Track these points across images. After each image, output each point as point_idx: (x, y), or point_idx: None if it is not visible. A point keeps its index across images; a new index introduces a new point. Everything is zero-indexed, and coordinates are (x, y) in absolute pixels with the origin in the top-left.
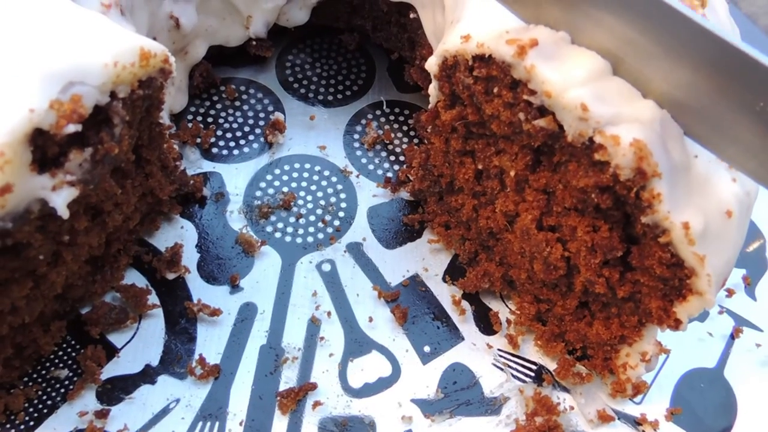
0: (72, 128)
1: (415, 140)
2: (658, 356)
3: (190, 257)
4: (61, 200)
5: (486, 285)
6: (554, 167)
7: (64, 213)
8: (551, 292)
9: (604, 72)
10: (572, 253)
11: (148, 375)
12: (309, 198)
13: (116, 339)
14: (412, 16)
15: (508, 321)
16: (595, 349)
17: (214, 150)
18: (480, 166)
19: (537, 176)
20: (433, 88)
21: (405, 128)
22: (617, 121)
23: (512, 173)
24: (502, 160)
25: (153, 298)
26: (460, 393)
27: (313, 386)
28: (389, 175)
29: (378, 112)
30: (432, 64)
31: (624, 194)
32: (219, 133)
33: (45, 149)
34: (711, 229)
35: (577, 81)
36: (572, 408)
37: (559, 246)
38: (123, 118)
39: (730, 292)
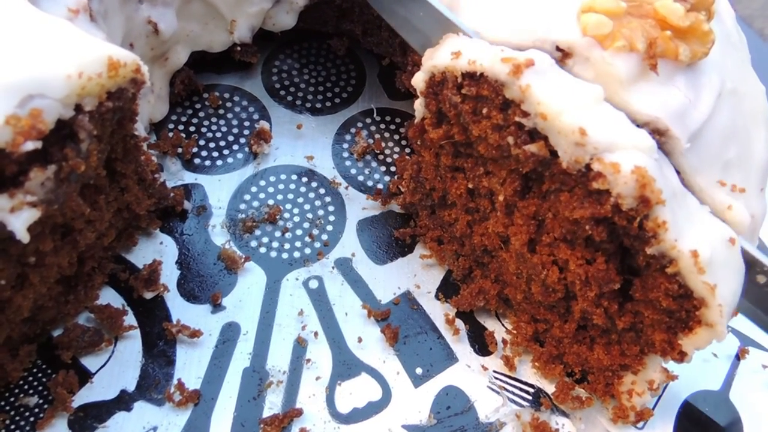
0: (31, 145)
1: (407, 150)
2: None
3: (169, 275)
4: (20, 223)
5: (481, 303)
6: (544, 195)
7: (24, 237)
8: (549, 312)
9: (599, 97)
10: (568, 280)
11: (123, 401)
12: (296, 211)
13: (90, 363)
14: None
15: (504, 341)
16: (596, 374)
17: (197, 161)
18: (470, 185)
19: (526, 203)
20: (419, 104)
21: (396, 137)
22: (615, 148)
23: (501, 197)
24: (491, 182)
25: (129, 319)
26: (453, 419)
27: (299, 412)
28: (380, 186)
29: (368, 121)
30: (419, 81)
31: (624, 225)
32: (201, 142)
33: (2, 168)
34: (717, 257)
35: (575, 104)
36: None
37: (555, 269)
38: (90, 132)
39: (734, 312)
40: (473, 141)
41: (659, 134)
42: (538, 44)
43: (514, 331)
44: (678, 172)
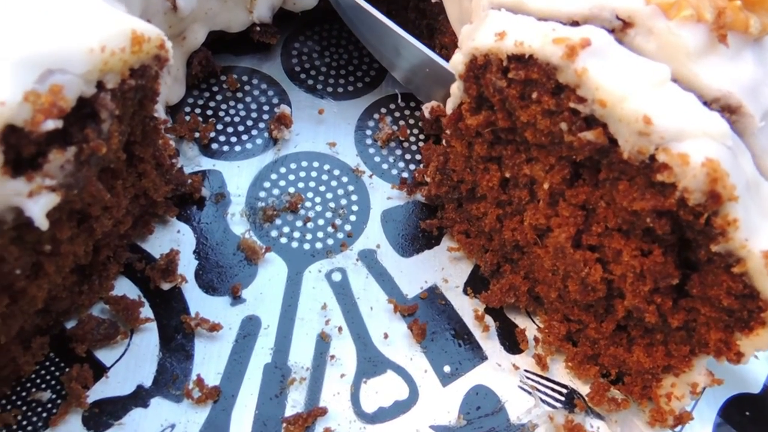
0: (51, 124)
1: (433, 137)
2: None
3: (187, 265)
4: (38, 208)
5: (512, 300)
6: (597, 183)
7: (42, 223)
8: (584, 313)
9: (665, 78)
10: (615, 276)
11: (140, 397)
12: (317, 200)
13: (105, 356)
14: (433, 0)
15: (536, 339)
16: (634, 376)
17: (214, 146)
18: (507, 174)
19: (575, 191)
20: (456, 89)
21: (422, 124)
22: (683, 136)
23: (546, 185)
24: (534, 169)
25: (146, 311)
26: (483, 419)
27: (323, 411)
28: (405, 175)
29: (392, 106)
30: (457, 63)
31: (689, 220)
32: (219, 127)
33: (19, 149)
34: None
35: (638, 89)
36: None
37: (599, 267)
38: (112, 111)
39: None
40: (518, 127)
41: (730, 112)
42: (595, 12)
43: (546, 330)
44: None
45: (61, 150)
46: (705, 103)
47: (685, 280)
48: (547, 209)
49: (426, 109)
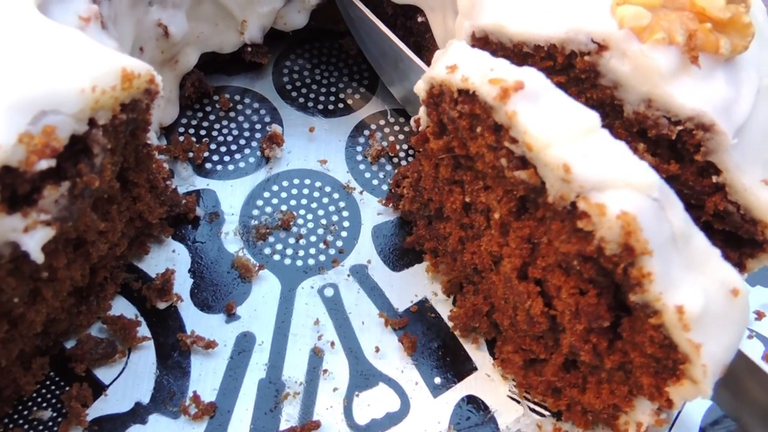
0: (45, 164)
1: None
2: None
3: (182, 284)
4: (34, 243)
5: (475, 324)
6: (540, 219)
7: (38, 257)
8: (535, 343)
9: (594, 126)
10: (557, 311)
11: (138, 414)
12: (309, 217)
13: (104, 375)
14: (419, 19)
15: None
16: (594, 414)
17: (208, 165)
18: (467, 199)
19: (521, 224)
20: (422, 112)
21: (410, 139)
22: (604, 186)
23: (497, 215)
24: (489, 197)
25: (143, 330)
26: (474, 429)
27: (317, 425)
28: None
29: (382, 122)
30: (420, 89)
31: (609, 268)
32: (212, 146)
33: (15, 187)
34: (712, 310)
35: (563, 136)
36: None
37: (540, 301)
38: (104, 146)
39: (759, 315)
40: (472, 156)
41: (704, 130)
42: (571, 36)
43: (504, 362)
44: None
45: (55, 186)
46: (680, 121)
47: (619, 324)
48: (500, 238)
49: (413, 121)
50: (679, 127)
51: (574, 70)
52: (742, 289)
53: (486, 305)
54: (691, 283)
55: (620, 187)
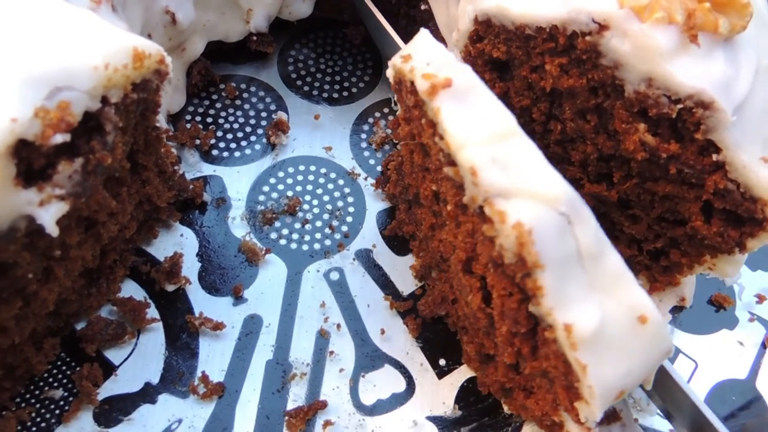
0: (60, 138)
1: None
2: None
3: (190, 267)
4: (49, 216)
5: (442, 312)
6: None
7: (53, 230)
8: (486, 338)
9: (510, 131)
10: (493, 309)
11: (148, 394)
12: (315, 202)
13: (114, 356)
14: (422, 7)
15: None
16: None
17: (215, 152)
18: (434, 187)
19: (466, 218)
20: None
21: None
22: (510, 194)
23: (449, 207)
24: (444, 188)
25: (152, 312)
26: (478, 410)
27: (323, 404)
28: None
29: (386, 110)
30: (389, 74)
31: (511, 276)
32: (219, 134)
33: (30, 161)
34: (608, 334)
35: (477, 139)
36: None
37: (479, 296)
38: (116, 124)
39: (761, 299)
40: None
41: (703, 107)
42: (572, 16)
43: (465, 351)
44: (712, 149)
45: (69, 161)
46: (680, 99)
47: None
48: (454, 229)
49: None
50: (679, 106)
51: (576, 50)
52: (652, 317)
53: (452, 294)
54: (591, 303)
55: (524, 197)
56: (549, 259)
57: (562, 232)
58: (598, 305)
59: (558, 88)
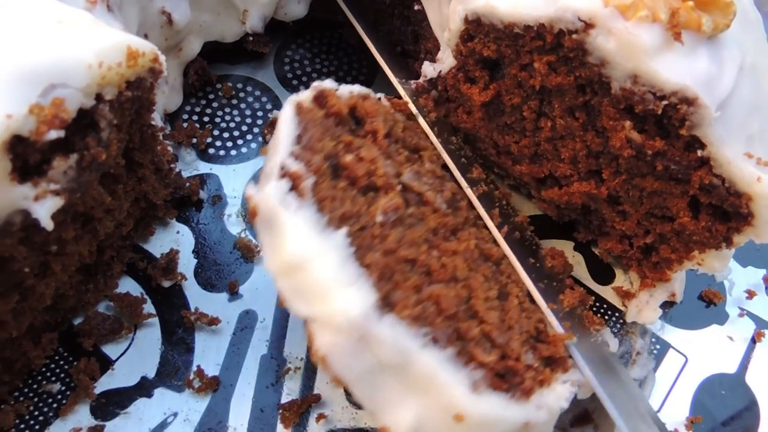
0: (54, 134)
1: None
2: None
3: (186, 263)
4: (44, 211)
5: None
6: None
7: (48, 224)
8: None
9: (310, 258)
10: None
11: (144, 388)
12: None
13: (110, 350)
14: (416, 7)
15: None
16: None
17: (211, 151)
18: None
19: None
20: None
21: None
22: (312, 321)
23: None
24: None
25: (148, 307)
26: None
27: (317, 398)
28: None
29: None
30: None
31: None
32: (215, 133)
33: (25, 157)
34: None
35: (280, 270)
36: None
37: None
38: (110, 121)
39: (750, 294)
40: None
41: (688, 104)
42: (559, 14)
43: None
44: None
45: (64, 157)
46: (664, 96)
47: None
48: None
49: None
50: (665, 102)
51: (563, 48)
52: (468, 414)
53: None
54: (406, 406)
55: (323, 325)
56: (352, 375)
57: (357, 352)
58: (414, 407)
59: (547, 85)
